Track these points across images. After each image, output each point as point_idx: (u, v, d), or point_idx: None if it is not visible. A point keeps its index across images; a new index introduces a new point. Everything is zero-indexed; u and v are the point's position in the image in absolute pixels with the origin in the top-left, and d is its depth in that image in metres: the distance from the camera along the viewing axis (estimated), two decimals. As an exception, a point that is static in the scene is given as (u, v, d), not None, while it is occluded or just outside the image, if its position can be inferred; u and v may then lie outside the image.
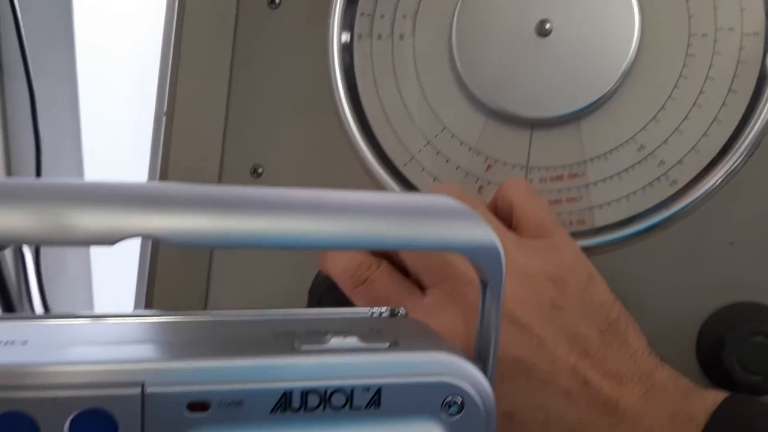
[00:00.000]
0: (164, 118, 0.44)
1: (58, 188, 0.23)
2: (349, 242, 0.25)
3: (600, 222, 0.41)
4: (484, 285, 0.28)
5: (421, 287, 0.38)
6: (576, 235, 0.40)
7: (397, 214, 0.26)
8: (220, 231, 0.24)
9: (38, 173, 0.81)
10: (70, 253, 0.90)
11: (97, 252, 0.91)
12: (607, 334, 0.34)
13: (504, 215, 0.38)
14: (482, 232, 0.27)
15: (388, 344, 0.26)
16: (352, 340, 0.26)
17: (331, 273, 0.40)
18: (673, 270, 0.40)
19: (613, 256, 0.40)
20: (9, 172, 0.97)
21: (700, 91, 0.40)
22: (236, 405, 0.23)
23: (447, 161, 0.44)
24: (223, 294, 0.45)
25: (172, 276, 0.45)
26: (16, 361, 0.22)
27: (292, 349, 0.25)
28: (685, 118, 0.40)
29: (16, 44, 0.88)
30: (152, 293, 0.44)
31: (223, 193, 0.24)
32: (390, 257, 0.40)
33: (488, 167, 0.43)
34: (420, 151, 0.44)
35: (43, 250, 0.74)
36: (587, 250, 0.37)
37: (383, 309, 0.31)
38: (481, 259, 0.26)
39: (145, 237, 0.24)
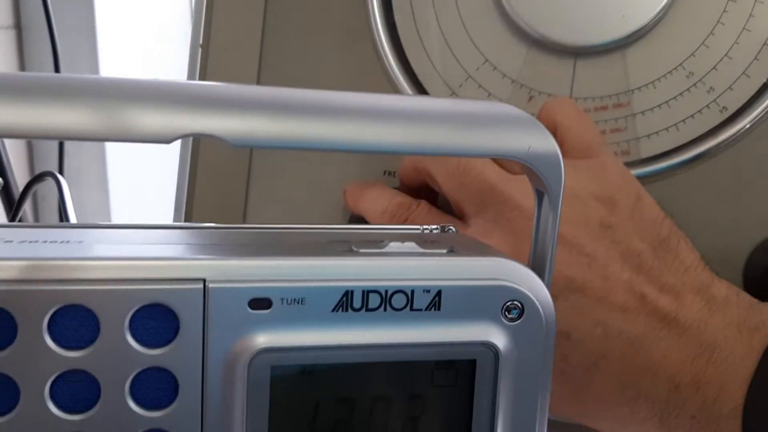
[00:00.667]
0: (200, 50, 0.44)
1: (116, 85, 0.22)
2: (409, 146, 0.25)
3: (646, 153, 0.40)
4: (540, 195, 0.27)
5: (463, 221, 0.37)
6: (621, 165, 0.39)
7: (457, 118, 0.25)
8: (276, 130, 0.23)
9: (60, 160, 0.81)
10: (87, 165, 0.90)
11: (113, 162, 0.91)
12: (659, 250, 0.33)
13: None
14: (542, 137, 0.26)
15: (446, 250, 0.26)
16: (410, 245, 0.26)
17: (369, 216, 0.40)
18: (721, 199, 0.40)
19: (658, 186, 0.40)
20: (32, 161, 0.97)
21: (750, 15, 0.39)
22: (298, 303, 0.23)
23: (488, 95, 0.43)
24: (261, 217, 0.45)
25: (209, 197, 0.44)
26: (75, 255, 0.22)
27: (350, 252, 0.25)
28: (735, 42, 0.39)
29: (35, 4, 0.87)
30: (191, 212, 0.44)
31: (279, 93, 0.24)
32: (428, 197, 0.40)
33: (530, 99, 0.42)
34: (461, 85, 0.44)
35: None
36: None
37: (434, 227, 0.30)
38: (540, 165, 0.26)
39: (201, 135, 0.23)
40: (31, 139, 0.22)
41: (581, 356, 0.33)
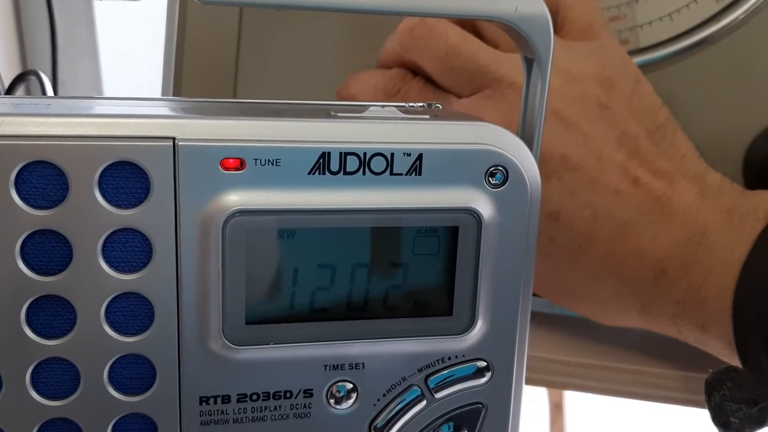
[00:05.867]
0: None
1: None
2: (392, 5, 0.23)
3: (645, 42, 0.39)
4: (529, 63, 0.26)
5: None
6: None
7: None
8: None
9: (54, 63, 0.79)
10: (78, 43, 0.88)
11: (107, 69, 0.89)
12: (655, 135, 0.33)
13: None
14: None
15: (428, 116, 0.25)
16: (390, 110, 0.25)
17: (360, 91, 0.38)
18: (720, 88, 0.38)
19: (658, 75, 0.38)
20: (24, 62, 0.95)
21: None
22: (273, 164, 0.22)
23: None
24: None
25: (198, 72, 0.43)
26: (43, 111, 0.21)
27: (328, 116, 0.24)
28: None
29: None
30: (180, 88, 0.43)
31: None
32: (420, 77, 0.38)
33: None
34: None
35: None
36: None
37: (420, 103, 0.29)
38: (528, 28, 0.25)
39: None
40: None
41: (568, 238, 0.32)
